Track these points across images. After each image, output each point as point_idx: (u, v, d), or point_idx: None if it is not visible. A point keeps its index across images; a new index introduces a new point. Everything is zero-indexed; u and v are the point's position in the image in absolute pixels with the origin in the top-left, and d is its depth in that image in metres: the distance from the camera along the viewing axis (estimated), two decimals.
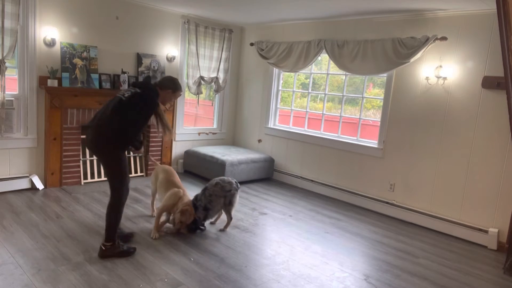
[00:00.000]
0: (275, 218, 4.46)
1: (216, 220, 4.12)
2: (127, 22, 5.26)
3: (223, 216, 4.04)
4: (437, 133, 4.50)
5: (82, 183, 5.05)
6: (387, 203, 4.93)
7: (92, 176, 5.25)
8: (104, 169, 3.23)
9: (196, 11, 5.61)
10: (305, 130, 5.96)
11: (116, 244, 3.16)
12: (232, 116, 6.88)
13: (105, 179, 5.17)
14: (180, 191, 3.78)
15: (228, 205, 3.90)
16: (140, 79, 5.39)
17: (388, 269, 3.41)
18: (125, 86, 5.16)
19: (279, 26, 6.05)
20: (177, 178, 3.97)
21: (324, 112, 5.75)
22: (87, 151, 5.17)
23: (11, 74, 4.49)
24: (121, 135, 3.02)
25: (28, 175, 4.69)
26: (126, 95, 3.05)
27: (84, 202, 4.41)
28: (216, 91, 6.38)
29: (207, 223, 4.00)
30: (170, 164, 5.93)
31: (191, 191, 5.15)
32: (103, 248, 3.13)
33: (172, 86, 3.29)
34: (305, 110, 5.99)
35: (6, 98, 4.39)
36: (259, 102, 6.51)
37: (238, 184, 4.00)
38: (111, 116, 2.98)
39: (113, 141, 3.02)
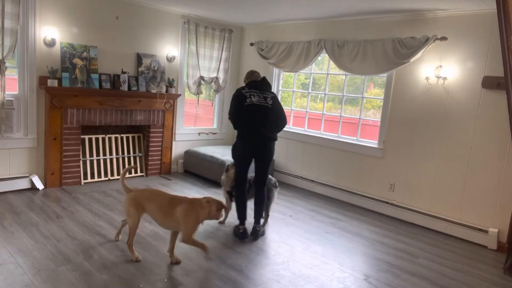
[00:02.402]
0: (275, 218, 4.45)
1: (224, 220, 4.13)
2: (127, 22, 5.26)
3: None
4: (437, 133, 4.50)
5: (82, 183, 5.05)
6: (387, 203, 4.93)
7: (92, 176, 5.25)
8: (265, 161, 3.80)
9: (196, 11, 5.61)
10: (305, 130, 5.96)
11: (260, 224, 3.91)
12: None
13: (106, 179, 5.27)
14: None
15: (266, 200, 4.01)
16: (141, 79, 5.38)
17: (388, 269, 3.41)
18: (125, 86, 5.16)
19: (279, 26, 6.05)
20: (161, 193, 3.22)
21: (324, 112, 5.75)
22: (87, 151, 5.18)
23: (11, 74, 4.49)
24: (278, 132, 3.87)
25: (28, 175, 4.69)
26: (270, 102, 3.72)
27: (84, 202, 4.41)
28: (216, 91, 6.38)
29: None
30: (170, 164, 5.94)
31: (191, 191, 5.17)
32: (258, 229, 3.81)
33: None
34: (305, 110, 5.99)
35: (6, 98, 4.39)
36: None
37: (277, 183, 4.15)
38: (273, 121, 3.75)
39: (276, 139, 3.83)
